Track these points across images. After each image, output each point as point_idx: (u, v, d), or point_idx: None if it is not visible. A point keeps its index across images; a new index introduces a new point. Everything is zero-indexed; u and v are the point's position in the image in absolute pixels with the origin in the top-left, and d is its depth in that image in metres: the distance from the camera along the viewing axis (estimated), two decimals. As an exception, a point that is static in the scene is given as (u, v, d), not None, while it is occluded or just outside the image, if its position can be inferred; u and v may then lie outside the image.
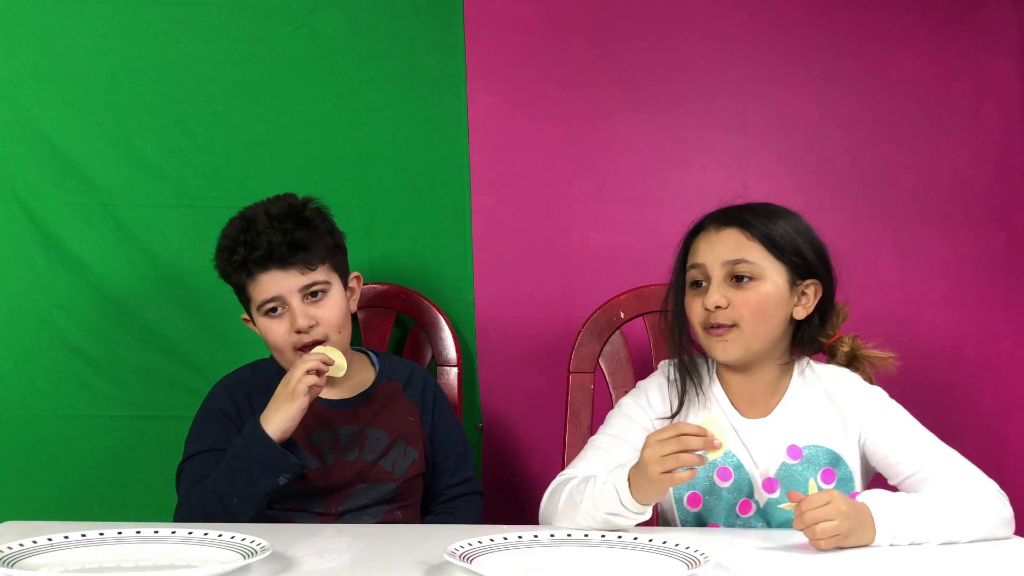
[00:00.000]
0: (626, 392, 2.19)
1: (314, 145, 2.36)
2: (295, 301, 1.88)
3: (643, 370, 2.24)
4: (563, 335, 2.34)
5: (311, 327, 1.88)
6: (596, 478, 1.64)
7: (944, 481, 1.68)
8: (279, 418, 1.76)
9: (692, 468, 1.55)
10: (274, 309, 1.89)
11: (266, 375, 1.94)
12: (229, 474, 1.78)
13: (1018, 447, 2.46)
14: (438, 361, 2.31)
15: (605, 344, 2.23)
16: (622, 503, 1.57)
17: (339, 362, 1.84)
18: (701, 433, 1.53)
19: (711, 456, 1.55)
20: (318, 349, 1.84)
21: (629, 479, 1.58)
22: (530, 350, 2.41)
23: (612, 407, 2.19)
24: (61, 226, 2.29)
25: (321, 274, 1.91)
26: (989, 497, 1.65)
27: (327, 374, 1.81)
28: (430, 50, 2.39)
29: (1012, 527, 1.66)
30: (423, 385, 2.05)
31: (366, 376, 2.01)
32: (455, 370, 2.30)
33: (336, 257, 1.95)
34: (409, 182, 2.39)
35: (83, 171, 2.30)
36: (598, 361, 2.23)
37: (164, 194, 2.32)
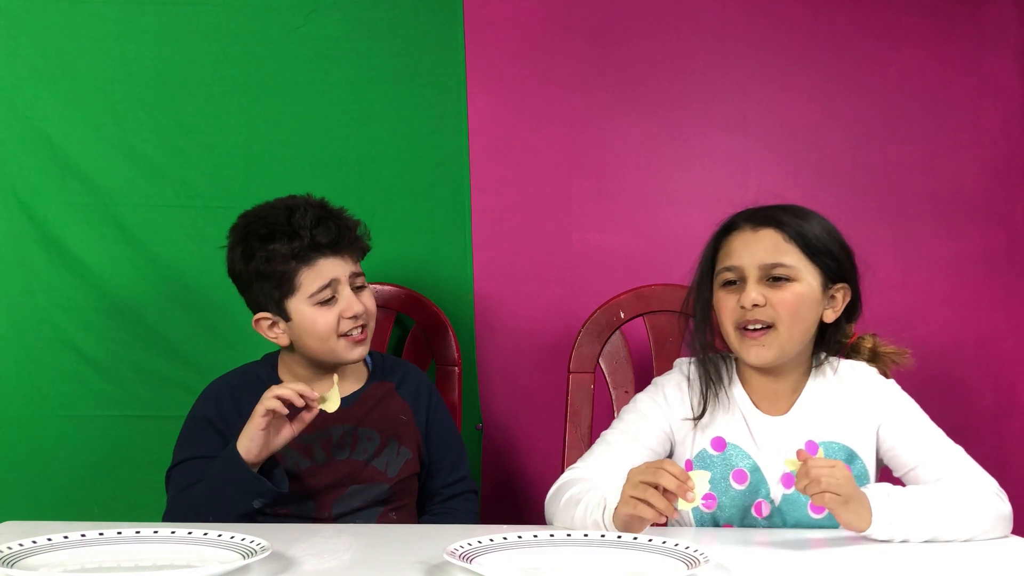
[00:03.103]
0: (626, 392, 2.20)
1: (314, 145, 2.36)
2: (346, 289, 1.89)
3: (643, 370, 2.24)
4: (563, 335, 2.34)
5: (362, 313, 1.89)
6: (595, 490, 1.63)
7: (944, 476, 1.70)
8: (244, 437, 1.76)
9: (654, 509, 1.51)
10: (331, 298, 1.88)
11: (255, 378, 1.94)
12: (207, 491, 1.79)
13: (1018, 447, 2.47)
14: (438, 361, 2.31)
15: (605, 344, 2.23)
16: (603, 522, 1.57)
17: (333, 400, 1.82)
18: (682, 478, 1.50)
19: (680, 506, 1.52)
20: (334, 393, 1.83)
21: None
22: (530, 350, 2.41)
23: (612, 407, 2.20)
24: (61, 226, 2.29)
25: (361, 266, 1.94)
26: (988, 494, 1.66)
27: (319, 407, 1.79)
28: (430, 50, 2.39)
29: (1010, 524, 1.67)
30: (417, 384, 2.04)
31: (359, 377, 2.01)
32: (455, 370, 2.30)
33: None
34: (409, 182, 2.39)
35: (83, 171, 2.30)
36: (598, 361, 2.23)
37: (164, 194, 2.32)
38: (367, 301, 1.92)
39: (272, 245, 1.86)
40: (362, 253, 1.95)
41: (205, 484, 1.79)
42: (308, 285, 1.87)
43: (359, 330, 1.90)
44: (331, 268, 1.88)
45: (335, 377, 1.85)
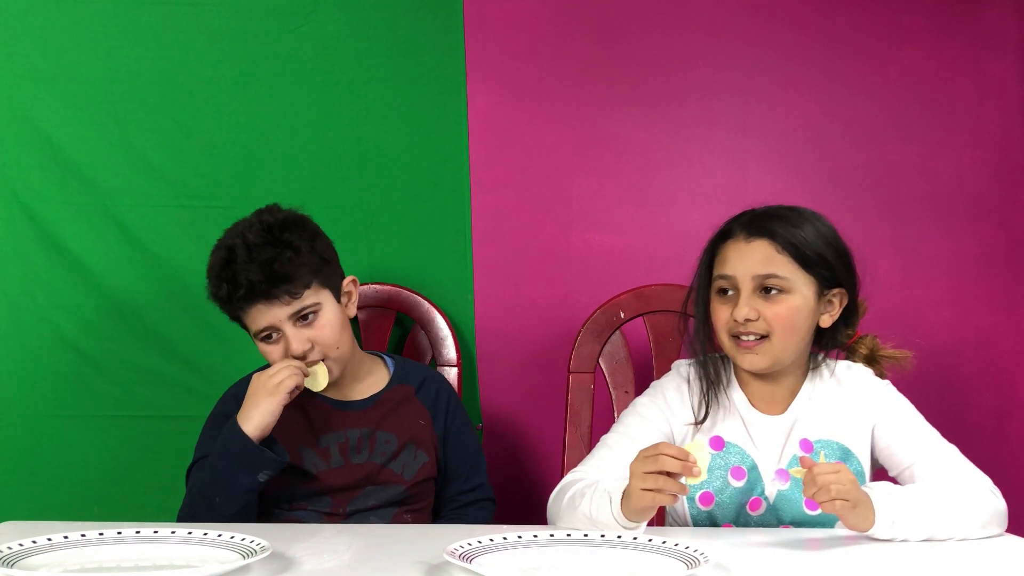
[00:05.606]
0: (626, 392, 2.20)
1: (314, 145, 2.36)
2: (288, 327, 1.86)
3: (643, 370, 2.24)
4: (563, 335, 2.34)
5: (308, 350, 1.87)
6: (599, 484, 1.64)
7: (939, 474, 1.71)
8: (259, 414, 1.77)
9: (674, 495, 1.52)
10: (269, 336, 1.88)
11: None
12: (211, 474, 1.80)
13: (1018, 447, 2.47)
14: (438, 361, 2.31)
15: (605, 344, 2.23)
16: (612, 513, 1.57)
17: (321, 377, 1.85)
18: (682, 456, 1.50)
19: (690, 482, 1.52)
20: (318, 371, 1.87)
21: (623, 492, 1.57)
22: (530, 350, 2.41)
23: (612, 407, 2.20)
24: (61, 226, 2.29)
25: (309, 298, 1.87)
26: (983, 491, 1.68)
27: (304, 384, 1.84)
28: (430, 50, 2.39)
29: (1005, 520, 1.69)
30: (436, 389, 2.04)
31: (379, 380, 2.01)
32: (455, 370, 2.30)
33: (323, 273, 1.90)
34: (409, 182, 2.39)
35: (83, 171, 2.30)
36: (598, 361, 2.23)
37: (164, 194, 2.32)
38: (315, 332, 1.87)
39: (211, 288, 1.89)
40: (303, 288, 1.86)
41: (208, 468, 1.81)
42: (249, 326, 1.89)
43: (314, 363, 1.89)
44: (261, 315, 1.85)
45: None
